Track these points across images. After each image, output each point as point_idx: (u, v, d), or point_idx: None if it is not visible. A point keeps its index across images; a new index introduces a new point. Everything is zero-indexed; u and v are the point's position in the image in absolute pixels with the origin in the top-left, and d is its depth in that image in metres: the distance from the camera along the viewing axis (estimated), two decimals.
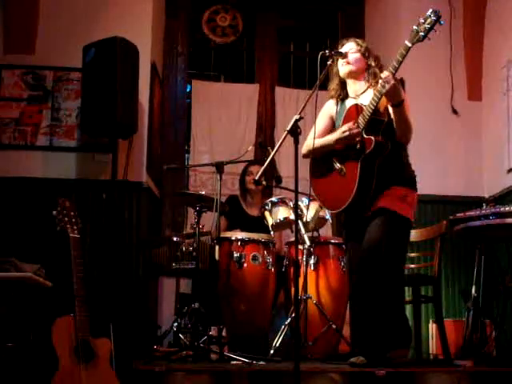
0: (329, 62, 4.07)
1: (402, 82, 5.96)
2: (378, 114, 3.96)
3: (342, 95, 4.29)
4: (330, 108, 4.34)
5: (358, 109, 4.02)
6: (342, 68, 4.19)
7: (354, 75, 4.20)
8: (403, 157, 4.16)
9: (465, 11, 6.09)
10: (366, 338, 4.03)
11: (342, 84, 4.28)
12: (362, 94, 4.17)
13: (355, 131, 3.96)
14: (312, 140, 4.10)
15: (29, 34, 5.49)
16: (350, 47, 4.22)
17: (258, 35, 7.03)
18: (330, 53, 4.08)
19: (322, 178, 4.23)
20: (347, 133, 3.99)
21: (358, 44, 4.21)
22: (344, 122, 4.11)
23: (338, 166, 4.11)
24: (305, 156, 4.27)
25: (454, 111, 6.09)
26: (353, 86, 4.23)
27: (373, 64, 4.16)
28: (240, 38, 6.97)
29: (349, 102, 4.21)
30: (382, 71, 4.08)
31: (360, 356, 3.98)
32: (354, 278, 4.18)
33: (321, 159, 4.20)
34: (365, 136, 3.94)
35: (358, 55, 4.17)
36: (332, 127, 4.29)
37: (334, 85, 4.30)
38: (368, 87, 4.16)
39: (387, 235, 3.97)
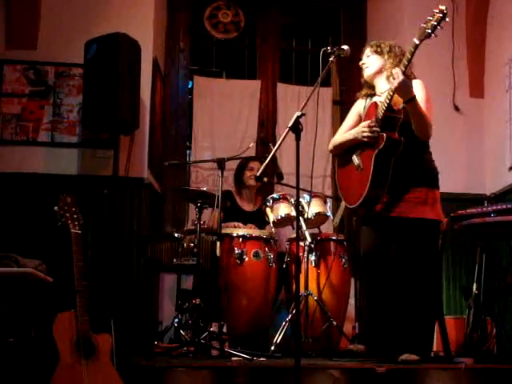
0: (331, 59, 4.08)
1: None
2: (394, 112, 3.99)
3: (370, 94, 4.36)
4: (359, 105, 4.41)
5: (375, 106, 4.06)
6: (364, 73, 4.33)
7: (374, 76, 4.30)
8: (424, 155, 4.18)
9: (467, 8, 6.08)
10: (386, 336, 4.06)
11: (369, 85, 4.37)
12: (386, 91, 4.19)
13: (374, 130, 3.98)
14: (339, 136, 4.27)
15: (31, 29, 5.48)
16: (365, 53, 4.35)
17: (260, 31, 7.02)
18: (332, 49, 4.09)
19: (344, 173, 4.30)
20: (366, 133, 4.01)
21: (371, 46, 4.32)
22: (365, 119, 4.18)
23: (356, 162, 4.14)
24: (331, 152, 4.39)
25: (456, 108, 6.08)
26: (378, 85, 4.32)
27: (391, 59, 4.21)
28: (242, 34, 6.95)
29: (374, 99, 4.27)
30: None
31: (359, 344, 4.03)
32: (370, 277, 4.24)
33: (344, 155, 4.25)
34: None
35: (373, 56, 4.26)
36: (359, 124, 4.33)
37: (364, 88, 4.41)
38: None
39: (419, 246, 4.02)
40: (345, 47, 4.18)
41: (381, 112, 3.95)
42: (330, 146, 4.35)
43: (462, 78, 6.09)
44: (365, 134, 4.02)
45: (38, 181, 5.33)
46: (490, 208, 4.61)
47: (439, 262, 4.26)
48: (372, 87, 4.36)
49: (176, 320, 4.87)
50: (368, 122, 4.04)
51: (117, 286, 4.85)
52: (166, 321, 5.52)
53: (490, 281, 5.17)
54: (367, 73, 4.30)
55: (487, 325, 5.11)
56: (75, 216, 3.63)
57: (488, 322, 5.14)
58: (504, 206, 4.52)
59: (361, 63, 4.34)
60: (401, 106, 4.02)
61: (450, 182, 5.94)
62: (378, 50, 4.24)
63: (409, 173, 4.05)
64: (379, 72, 4.27)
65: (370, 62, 4.27)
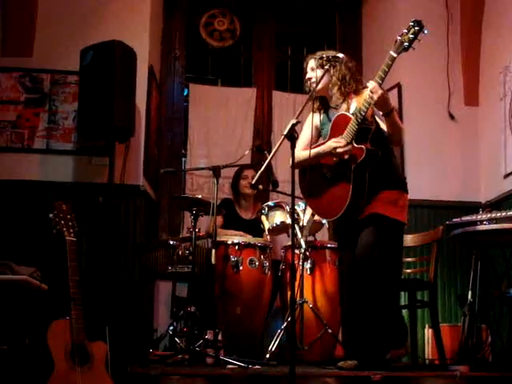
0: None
1: (398, 86, 6.00)
2: (366, 123, 3.99)
3: (323, 107, 4.32)
4: (314, 119, 4.33)
5: (345, 118, 4.03)
6: (310, 87, 4.22)
7: (324, 90, 4.24)
8: (392, 160, 4.18)
9: (462, 16, 6.10)
10: (359, 342, 4.06)
11: (322, 98, 4.31)
12: (342, 104, 4.19)
13: (346, 149, 3.98)
14: (299, 152, 4.15)
15: (26, 36, 5.48)
16: (311, 65, 4.28)
17: (256, 39, 7.03)
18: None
19: (313, 188, 4.24)
20: (340, 150, 4.01)
21: (315, 59, 4.23)
22: (332, 131, 4.13)
23: (329, 175, 4.12)
24: (295, 167, 4.21)
25: (451, 116, 6.10)
26: (332, 98, 4.26)
27: (337, 73, 4.17)
28: (237, 42, 6.96)
29: (332, 112, 4.24)
30: (352, 74, 4.17)
31: (348, 360, 4.02)
32: (345, 284, 4.24)
33: (310, 170, 4.19)
34: (355, 145, 3.96)
35: (319, 71, 4.16)
36: (317, 137, 4.33)
37: (314, 101, 4.32)
38: (345, 96, 4.17)
39: (380, 241, 4.02)
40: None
41: (355, 124, 3.93)
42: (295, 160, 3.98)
43: (457, 86, 6.11)
44: (340, 151, 4.01)
45: (33, 188, 5.32)
46: (485, 216, 4.62)
47: (400, 261, 4.28)
48: (322, 100, 4.31)
49: (171, 328, 4.87)
50: (339, 139, 4.03)
51: (112, 294, 4.84)
52: (161, 328, 5.51)
53: (485, 288, 5.17)
54: (316, 88, 4.15)
55: (482, 332, 5.12)
56: (70, 223, 3.63)
57: (483, 329, 5.15)
58: (498, 214, 4.53)
59: (307, 77, 4.28)
60: (371, 116, 4.04)
61: (445, 189, 5.98)
62: (323, 64, 4.15)
63: (381, 179, 4.05)
64: (327, 86, 4.21)
65: (317, 76, 4.15)
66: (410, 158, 5.92)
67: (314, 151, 4.13)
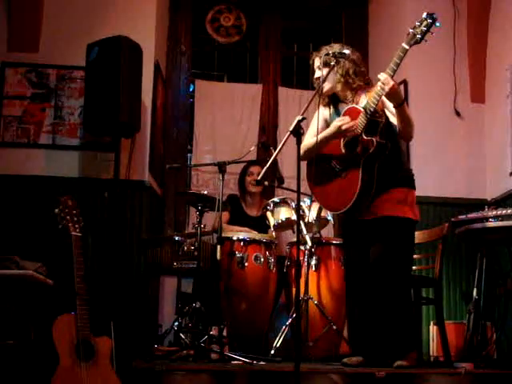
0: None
1: (405, 83, 5.99)
2: (376, 116, 3.98)
3: (332, 102, 4.32)
4: (322, 112, 4.33)
5: (356, 111, 4.03)
6: (320, 87, 4.18)
7: (332, 89, 4.24)
8: (400, 156, 4.17)
9: (469, 13, 6.08)
10: (368, 339, 4.06)
11: (331, 95, 4.30)
12: (353, 98, 4.19)
13: (351, 124, 3.98)
14: (308, 140, 4.17)
15: (33, 32, 5.49)
16: (317, 64, 4.26)
17: (262, 35, 7.02)
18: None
19: (321, 180, 4.23)
20: (344, 127, 4.01)
21: (320, 57, 4.20)
22: None
23: (338, 168, 4.11)
24: (303, 159, 4.10)
25: (457, 113, 6.08)
26: (340, 93, 4.26)
27: (340, 70, 4.15)
28: (243, 38, 6.96)
29: (341, 106, 4.24)
30: (356, 67, 4.15)
31: (353, 357, 4.03)
32: (352, 282, 4.23)
33: (318, 162, 4.18)
34: (365, 137, 3.95)
35: (325, 70, 4.13)
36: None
37: (323, 99, 4.32)
38: (355, 91, 4.17)
39: (395, 246, 4.01)
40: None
41: (366, 116, 3.93)
42: (302, 151, 3.92)
43: (463, 83, 6.09)
44: (346, 127, 4.00)
45: (39, 183, 5.33)
46: (490, 213, 4.61)
47: (411, 259, 4.31)
48: (331, 95, 4.30)
49: (176, 323, 4.87)
50: (342, 117, 4.04)
51: (117, 289, 4.85)
52: (166, 324, 5.51)
53: (491, 286, 5.17)
54: (325, 88, 4.17)
55: (487, 330, 5.12)
56: (76, 218, 3.63)
57: (488, 327, 5.15)
58: (504, 212, 4.53)
59: (315, 76, 4.25)
60: (381, 109, 4.03)
61: (450, 186, 5.97)
62: (328, 61, 4.13)
63: (388, 174, 4.04)
64: (335, 84, 4.20)
65: (324, 75, 4.13)
66: (416, 155, 5.90)
67: (321, 136, 4.12)
